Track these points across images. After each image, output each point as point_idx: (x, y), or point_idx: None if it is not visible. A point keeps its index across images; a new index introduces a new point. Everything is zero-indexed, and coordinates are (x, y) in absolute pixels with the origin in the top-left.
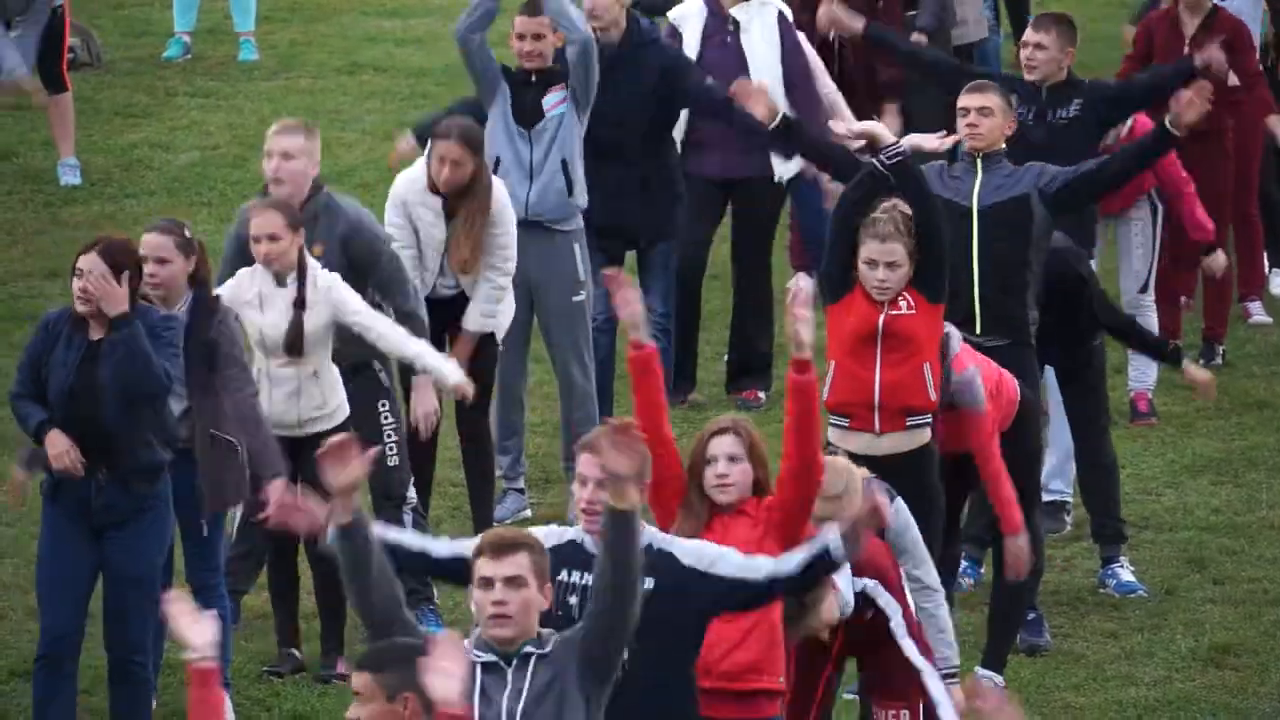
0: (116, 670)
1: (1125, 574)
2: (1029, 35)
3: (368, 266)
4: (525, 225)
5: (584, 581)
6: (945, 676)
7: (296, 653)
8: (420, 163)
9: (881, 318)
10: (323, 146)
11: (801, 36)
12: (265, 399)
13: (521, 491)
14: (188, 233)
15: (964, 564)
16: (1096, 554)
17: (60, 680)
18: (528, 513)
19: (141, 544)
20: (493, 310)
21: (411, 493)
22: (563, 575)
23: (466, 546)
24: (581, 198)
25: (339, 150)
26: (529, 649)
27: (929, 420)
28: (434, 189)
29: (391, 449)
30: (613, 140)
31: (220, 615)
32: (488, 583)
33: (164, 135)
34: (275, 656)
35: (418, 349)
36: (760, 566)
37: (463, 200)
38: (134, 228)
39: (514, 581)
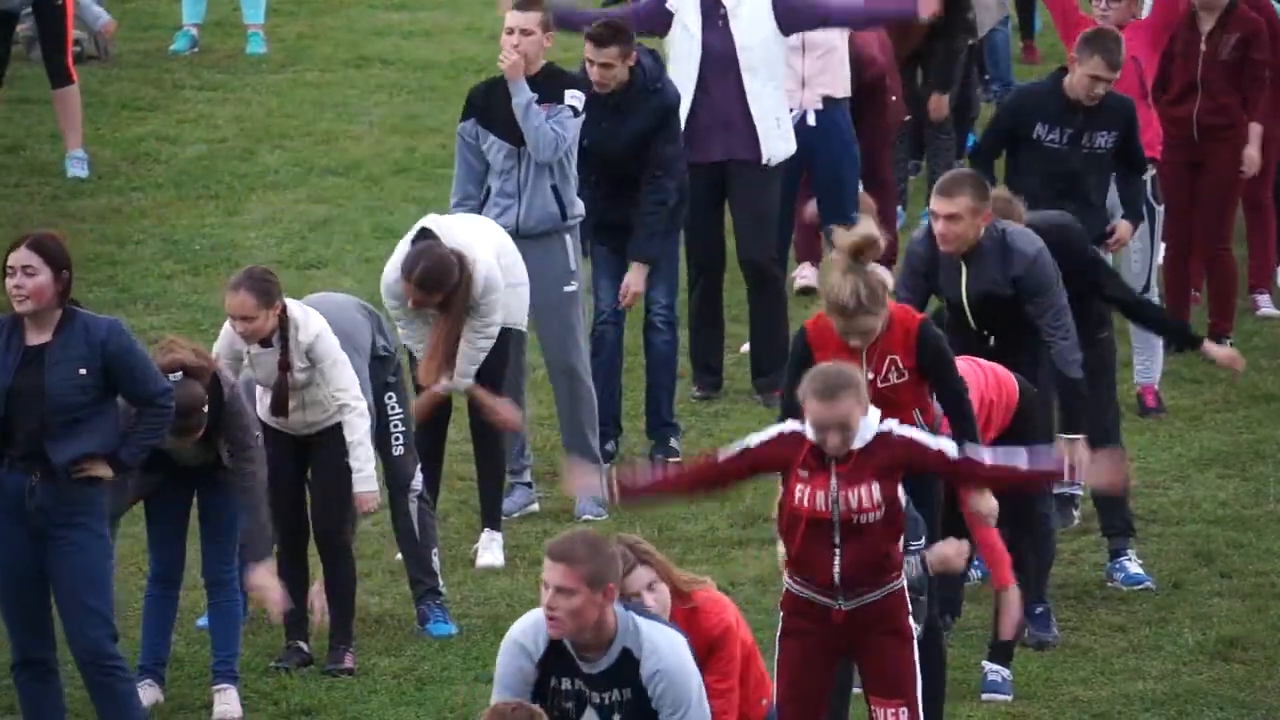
0: (88, 674)
1: (1133, 567)
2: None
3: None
4: (516, 236)
5: (576, 688)
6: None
7: (304, 646)
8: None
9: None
10: (329, 140)
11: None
12: (272, 416)
13: (529, 485)
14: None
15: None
16: (1104, 547)
17: (41, 682)
18: (535, 506)
19: (83, 550)
20: (470, 370)
21: (418, 481)
22: (554, 682)
23: None
24: (574, 207)
25: (346, 143)
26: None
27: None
28: None
29: (398, 438)
30: (615, 167)
31: (233, 609)
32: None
33: (171, 128)
34: (283, 650)
35: (359, 441)
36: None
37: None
38: (140, 220)
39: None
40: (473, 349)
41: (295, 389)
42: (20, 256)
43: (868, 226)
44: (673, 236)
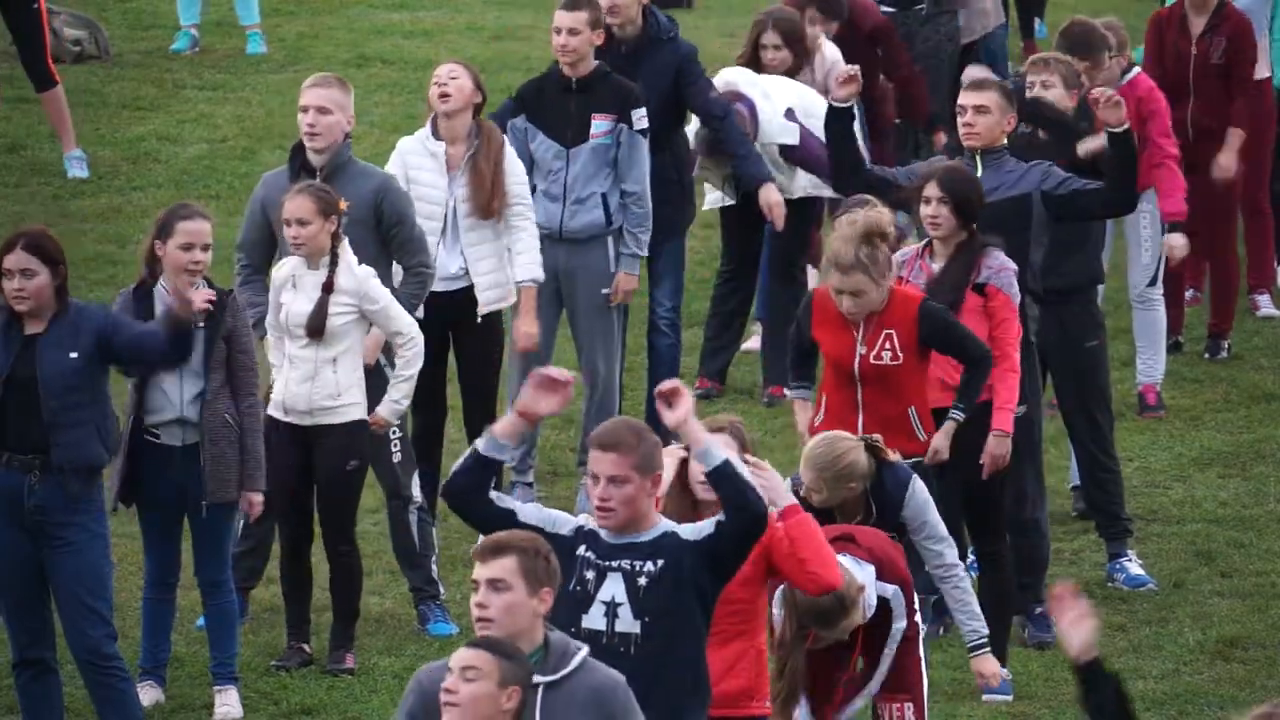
0: (88, 674)
1: (1134, 567)
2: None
3: (395, 224)
4: (559, 238)
5: (596, 561)
6: (975, 648)
7: (305, 647)
8: (425, 128)
9: (856, 362)
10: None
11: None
12: (281, 382)
13: (530, 485)
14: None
15: (969, 558)
16: (1104, 548)
17: (41, 682)
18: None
19: (82, 550)
20: (538, 257)
21: (417, 492)
22: (581, 550)
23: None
24: (618, 215)
25: None
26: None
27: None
28: (437, 134)
29: (395, 446)
30: None
31: (229, 611)
32: (475, 585)
33: (171, 128)
34: (283, 650)
35: (406, 361)
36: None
37: (464, 144)
38: (141, 220)
39: (495, 584)
40: (527, 235)
41: (330, 336)
42: (18, 259)
43: (882, 213)
44: (677, 241)
